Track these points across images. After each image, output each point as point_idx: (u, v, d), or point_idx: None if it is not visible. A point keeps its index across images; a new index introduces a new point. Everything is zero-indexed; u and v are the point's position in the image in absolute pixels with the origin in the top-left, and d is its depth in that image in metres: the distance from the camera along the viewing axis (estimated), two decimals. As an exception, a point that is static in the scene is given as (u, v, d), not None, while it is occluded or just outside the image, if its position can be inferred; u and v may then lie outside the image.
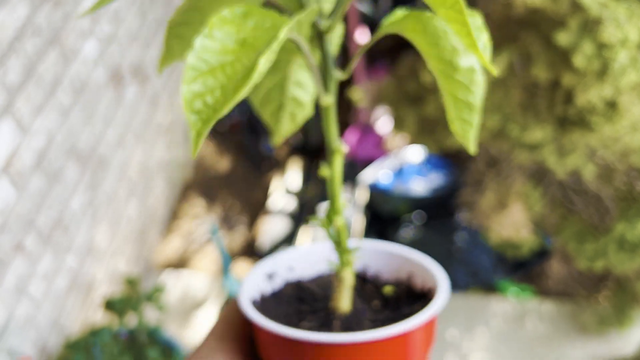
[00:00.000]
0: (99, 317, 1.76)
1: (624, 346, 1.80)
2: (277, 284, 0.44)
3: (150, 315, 1.71)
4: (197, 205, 2.31)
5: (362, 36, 2.36)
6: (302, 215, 2.19)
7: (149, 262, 2.09)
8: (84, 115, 1.56)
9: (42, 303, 1.46)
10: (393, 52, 2.17)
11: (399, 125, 1.33)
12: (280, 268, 0.44)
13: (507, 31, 1.12)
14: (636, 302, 1.71)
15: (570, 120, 1.10)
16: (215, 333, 0.39)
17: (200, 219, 2.26)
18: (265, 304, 0.41)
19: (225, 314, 0.41)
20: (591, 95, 0.97)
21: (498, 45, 1.06)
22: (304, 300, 0.42)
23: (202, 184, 2.37)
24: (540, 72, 0.98)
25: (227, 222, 2.25)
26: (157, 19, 1.96)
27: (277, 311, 0.41)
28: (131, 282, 1.46)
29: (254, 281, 0.42)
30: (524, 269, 1.98)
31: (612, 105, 0.99)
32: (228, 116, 2.37)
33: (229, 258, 1.79)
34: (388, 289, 0.42)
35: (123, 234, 1.87)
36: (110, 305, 1.43)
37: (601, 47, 0.90)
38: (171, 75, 2.12)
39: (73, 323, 1.61)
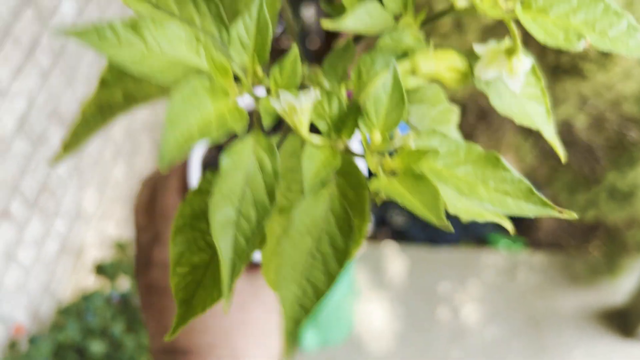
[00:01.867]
0: (91, 281, 1.75)
1: (615, 295, 1.82)
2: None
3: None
4: (185, 167, 2.28)
5: None
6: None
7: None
8: (64, 77, 1.52)
9: (32, 269, 1.45)
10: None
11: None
12: None
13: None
14: (626, 252, 1.73)
15: (562, 68, 1.07)
16: (174, 209, 0.40)
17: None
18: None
19: (177, 186, 0.42)
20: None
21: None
22: None
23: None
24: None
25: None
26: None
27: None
28: (121, 246, 1.45)
29: (199, 148, 0.42)
30: (515, 221, 1.99)
31: (606, 53, 0.97)
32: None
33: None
34: None
35: (111, 197, 1.84)
36: (102, 270, 1.42)
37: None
38: (153, 34, 2.07)
39: (64, 288, 1.60)
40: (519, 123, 0.31)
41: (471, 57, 0.30)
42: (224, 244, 0.26)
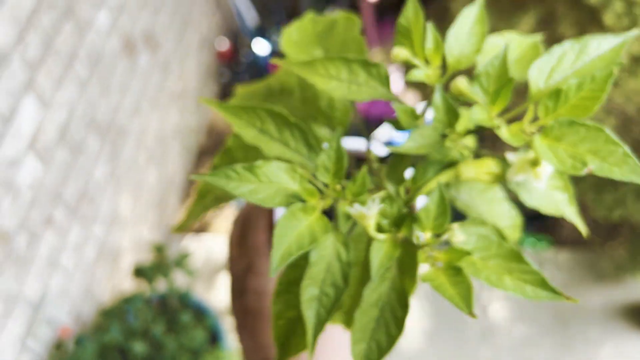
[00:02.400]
0: (128, 284, 1.80)
1: (641, 291, 1.84)
2: None
3: (178, 280, 1.75)
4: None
5: (371, -8, 2.33)
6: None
7: (171, 228, 2.12)
8: (100, 86, 1.57)
9: (74, 273, 1.50)
10: (401, 6, 2.14)
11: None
12: None
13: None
14: (652, 248, 1.74)
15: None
16: (265, 244, 0.49)
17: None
18: None
19: (266, 224, 0.50)
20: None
21: (523, 4, 1.05)
22: None
23: (216, 149, 2.39)
24: (567, 31, 0.97)
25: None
26: (165, -16, 1.95)
27: None
28: (159, 249, 1.49)
29: None
30: (541, 219, 2.01)
31: (637, 60, 0.99)
32: (238, 80, 2.37)
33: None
34: None
35: (145, 202, 1.89)
36: (140, 272, 1.47)
37: (632, 4, 0.90)
38: (181, 42, 2.11)
39: (103, 291, 1.65)
40: (545, 213, 0.39)
41: (504, 163, 0.38)
42: (309, 313, 0.35)
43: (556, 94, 0.34)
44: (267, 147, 0.38)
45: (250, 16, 2.32)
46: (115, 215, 1.70)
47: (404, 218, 0.36)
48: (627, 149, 0.31)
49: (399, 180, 0.40)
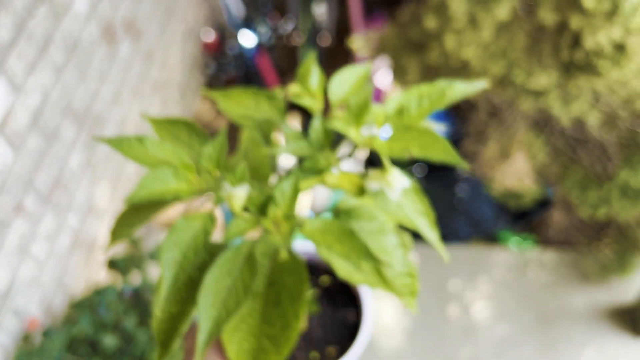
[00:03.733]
0: (103, 276, 1.76)
1: (626, 292, 1.82)
2: None
3: (154, 273, 1.71)
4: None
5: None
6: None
7: (150, 222, 2.08)
8: (78, 73, 1.53)
9: (46, 263, 1.46)
10: (391, 1, 2.12)
11: (400, 74, 1.30)
12: None
13: (511, -26, 1.09)
14: (637, 249, 1.72)
15: (576, 64, 1.07)
16: None
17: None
18: None
19: None
20: (600, 37, 0.94)
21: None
22: None
23: (200, 142, 2.35)
24: (547, 15, 0.95)
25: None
26: (149, -28, 1.91)
27: None
28: (133, 241, 1.46)
29: None
30: (526, 219, 1.98)
31: (620, 48, 0.96)
32: (224, 71, 2.33)
33: (230, 215, 1.78)
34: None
35: (123, 192, 1.85)
36: (114, 264, 1.43)
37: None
38: (165, 31, 2.08)
39: (77, 282, 1.62)
40: (403, 226, 0.46)
41: (365, 176, 0.46)
42: (167, 274, 0.41)
43: (400, 112, 0.46)
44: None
45: (237, 7, 2.28)
46: (91, 205, 1.66)
47: (268, 201, 0.43)
48: (447, 143, 0.42)
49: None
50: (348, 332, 0.52)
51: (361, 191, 0.45)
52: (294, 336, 0.43)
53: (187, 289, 0.44)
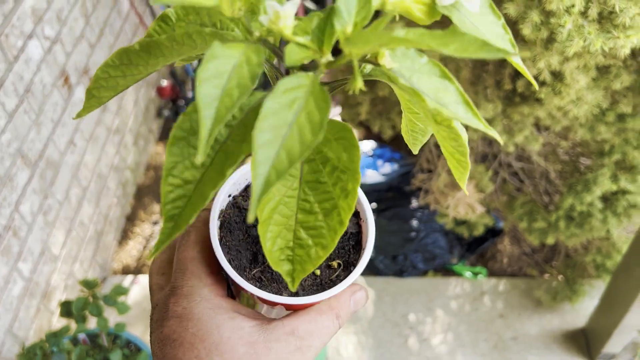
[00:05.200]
0: (57, 322, 1.71)
1: (578, 317, 1.87)
2: (227, 202, 0.47)
3: (113, 319, 1.68)
4: (151, 210, 2.28)
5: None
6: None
7: (107, 267, 2.05)
8: (30, 117, 1.53)
9: (-4, 311, 1.41)
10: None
11: (351, 109, 1.34)
12: (231, 185, 0.47)
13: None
14: (585, 275, 1.78)
15: (518, 94, 1.13)
16: (193, 261, 0.42)
17: (155, 223, 2.23)
18: (223, 231, 0.45)
19: (196, 239, 0.43)
20: (540, 65, 1.01)
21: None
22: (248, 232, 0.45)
23: (154, 187, 2.34)
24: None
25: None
26: (101, 21, 1.93)
27: (232, 242, 0.44)
28: (88, 284, 1.43)
29: (217, 204, 0.45)
30: (479, 249, 2.04)
31: (558, 75, 1.03)
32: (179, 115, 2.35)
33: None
34: (334, 264, 0.45)
35: (77, 239, 1.82)
36: (67, 308, 1.40)
37: (548, 15, 0.94)
38: (118, 77, 2.09)
39: (28, 330, 1.57)
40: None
41: None
42: (207, 112, 0.29)
43: None
44: None
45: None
46: (44, 251, 1.63)
47: (326, 19, 0.33)
48: None
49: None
50: (348, 244, 0.45)
51: (432, 13, 0.35)
52: (341, 231, 0.35)
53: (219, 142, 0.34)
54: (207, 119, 0.29)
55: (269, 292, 0.42)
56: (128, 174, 2.23)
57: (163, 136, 2.51)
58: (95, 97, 0.40)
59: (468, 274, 2.01)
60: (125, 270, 2.09)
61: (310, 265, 0.38)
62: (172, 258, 0.45)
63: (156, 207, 2.27)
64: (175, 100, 2.35)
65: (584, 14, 0.96)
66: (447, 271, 2.05)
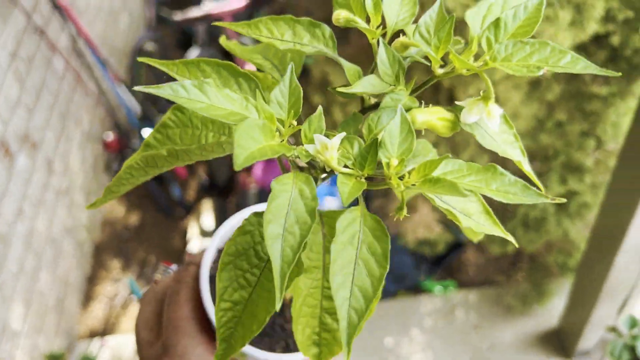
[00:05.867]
0: (25, 402, 1.65)
1: (549, 318, 1.90)
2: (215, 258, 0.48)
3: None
4: (112, 267, 2.23)
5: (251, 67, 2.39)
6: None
7: (73, 333, 1.99)
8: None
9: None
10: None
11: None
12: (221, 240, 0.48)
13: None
14: (550, 275, 1.82)
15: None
16: (185, 319, 0.42)
17: (118, 280, 2.18)
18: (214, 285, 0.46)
19: (186, 297, 0.43)
20: (471, 91, 1.03)
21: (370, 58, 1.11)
22: None
23: (113, 244, 2.29)
24: (421, 77, 1.03)
25: (145, 278, 2.18)
26: (37, 83, 1.90)
27: None
28: (54, 357, 1.38)
29: (207, 260, 0.46)
30: (444, 264, 2.05)
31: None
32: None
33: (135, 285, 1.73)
34: None
35: (38, 310, 1.77)
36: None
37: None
38: (62, 138, 2.05)
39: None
40: (502, 155, 0.40)
41: (456, 109, 0.39)
42: (275, 251, 0.32)
43: (496, 25, 0.37)
44: (212, 97, 0.35)
45: (133, 105, 2.30)
46: (4, 328, 1.57)
47: (367, 153, 0.35)
48: (574, 53, 0.36)
49: (354, 132, 0.40)
50: None
51: (454, 127, 0.39)
52: (369, 314, 0.36)
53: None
54: (277, 262, 0.32)
55: (261, 348, 0.42)
56: (84, 233, 2.17)
57: (116, 190, 2.47)
58: (114, 192, 0.43)
59: (438, 288, 2.02)
60: (93, 334, 2.03)
61: (337, 348, 0.39)
62: (159, 311, 0.44)
63: (117, 264, 2.23)
64: (123, 153, 2.32)
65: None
66: (417, 289, 2.05)
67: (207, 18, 2.21)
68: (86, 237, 2.19)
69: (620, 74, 0.34)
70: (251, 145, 0.32)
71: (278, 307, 0.31)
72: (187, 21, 2.25)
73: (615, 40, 1.13)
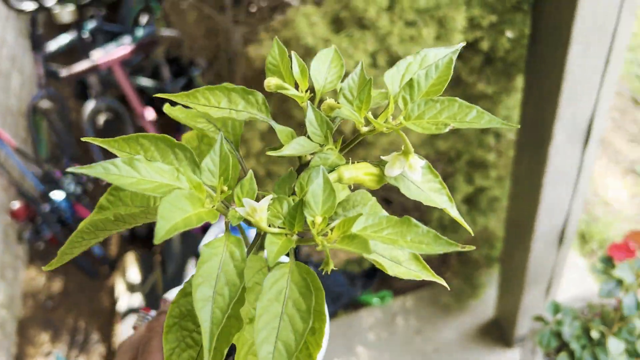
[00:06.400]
0: None
1: (486, 310, 1.92)
2: None
3: None
4: (40, 341, 2.12)
5: (150, 112, 2.34)
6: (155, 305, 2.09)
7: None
8: None
9: None
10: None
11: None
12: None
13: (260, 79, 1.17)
14: (479, 268, 1.84)
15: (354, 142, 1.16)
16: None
17: (49, 354, 2.07)
18: None
19: (159, 346, 0.45)
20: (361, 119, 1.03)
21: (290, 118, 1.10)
22: None
23: (38, 316, 2.18)
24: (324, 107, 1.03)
25: (78, 346, 2.09)
26: None
27: None
28: None
29: None
30: (378, 275, 2.05)
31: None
32: (41, 233, 2.21)
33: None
34: None
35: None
36: None
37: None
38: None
39: None
40: (427, 204, 0.42)
41: (381, 164, 0.42)
42: (204, 314, 0.33)
43: (410, 85, 0.41)
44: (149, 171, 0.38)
45: (34, 170, 2.20)
46: None
47: (295, 212, 0.38)
48: (479, 108, 0.39)
49: (286, 193, 0.42)
50: None
51: (380, 180, 0.42)
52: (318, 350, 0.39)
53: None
54: (206, 324, 0.33)
55: None
56: (3, 312, 2.06)
57: (33, 259, 2.35)
58: (68, 254, 0.45)
59: (375, 300, 2.02)
60: None
61: None
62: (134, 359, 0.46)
63: (45, 337, 2.12)
64: (34, 219, 2.21)
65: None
66: (356, 305, 2.05)
67: (95, 69, 2.13)
68: (6, 315, 2.08)
69: (518, 126, 0.40)
70: (176, 215, 0.34)
71: None
72: (76, 75, 2.17)
73: (484, 45, 1.16)
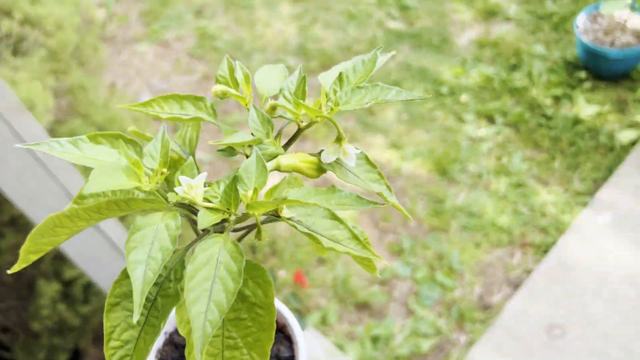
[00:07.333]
0: None
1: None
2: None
3: None
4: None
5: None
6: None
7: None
8: None
9: None
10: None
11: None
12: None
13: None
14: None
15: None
16: None
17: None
18: None
19: None
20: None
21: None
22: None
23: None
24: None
25: None
26: None
27: None
28: None
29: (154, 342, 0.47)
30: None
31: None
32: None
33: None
34: None
35: None
36: None
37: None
38: None
39: None
40: (364, 189, 0.45)
41: (319, 154, 0.45)
42: (137, 274, 0.35)
43: (340, 79, 0.46)
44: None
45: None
46: None
47: (231, 186, 0.40)
48: (397, 88, 0.44)
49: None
50: None
51: (319, 169, 0.45)
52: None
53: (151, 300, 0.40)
54: (138, 282, 0.34)
55: None
56: None
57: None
58: (32, 252, 0.45)
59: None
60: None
61: None
62: None
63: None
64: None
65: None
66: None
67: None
68: None
69: (431, 95, 0.45)
70: (108, 182, 0.37)
71: (135, 319, 0.34)
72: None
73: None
